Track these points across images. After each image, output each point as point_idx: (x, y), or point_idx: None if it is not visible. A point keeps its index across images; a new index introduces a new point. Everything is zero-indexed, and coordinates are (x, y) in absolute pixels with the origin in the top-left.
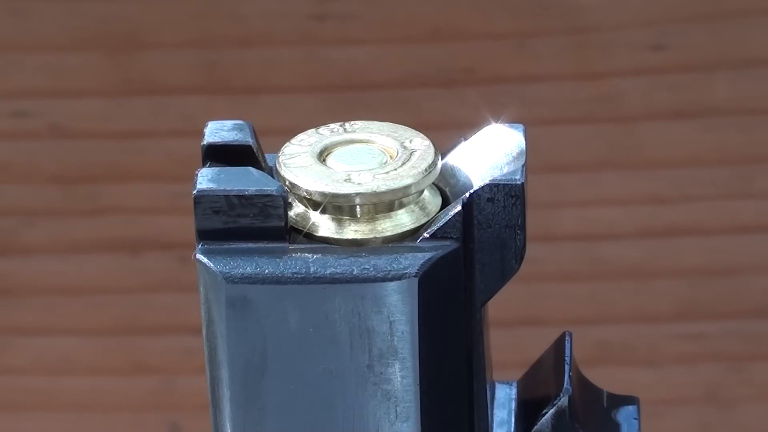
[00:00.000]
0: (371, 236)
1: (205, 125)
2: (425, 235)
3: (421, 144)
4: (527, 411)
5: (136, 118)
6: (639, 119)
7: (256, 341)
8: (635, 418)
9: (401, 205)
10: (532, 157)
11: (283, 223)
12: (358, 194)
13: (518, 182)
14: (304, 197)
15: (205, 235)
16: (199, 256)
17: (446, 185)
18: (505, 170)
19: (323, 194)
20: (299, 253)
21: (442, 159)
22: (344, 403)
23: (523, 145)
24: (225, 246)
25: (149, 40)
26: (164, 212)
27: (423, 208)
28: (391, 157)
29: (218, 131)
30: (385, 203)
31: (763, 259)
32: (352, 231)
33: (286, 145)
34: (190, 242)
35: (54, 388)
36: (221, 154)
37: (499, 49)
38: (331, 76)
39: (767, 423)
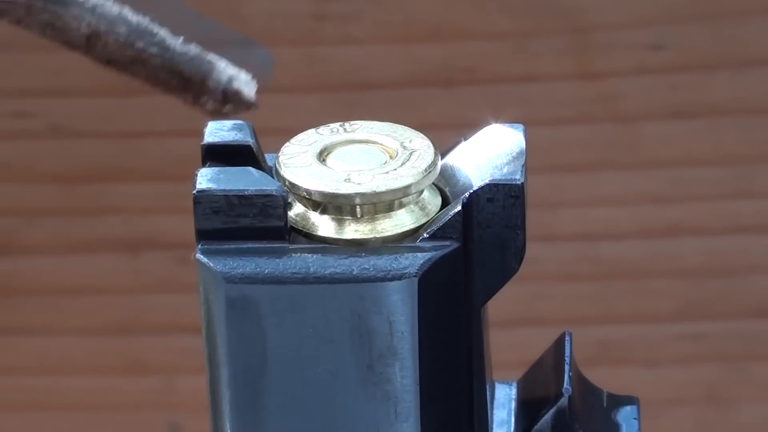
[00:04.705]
0: (371, 236)
1: (205, 125)
2: (425, 235)
3: (421, 144)
4: (527, 411)
5: (136, 118)
6: (638, 119)
7: (255, 341)
8: (635, 418)
9: (401, 205)
10: (532, 157)
11: (283, 223)
12: (358, 194)
13: (518, 182)
14: (304, 197)
15: (205, 235)
16: (199, 256)
17: (446, 185)
18: (505, 170)
19: (323, 194)
20: (299, 253)
21: (442, 159)
22: (344, 403)
23: (523, 145)
24: (225, 246)
25: None
26: (164, 212)
27: (423, 208)
28: (391, 157)
29: (218, 131)
30: (385, 203)
31: (763, 259)
32: (352, 231)
33: (286, 145)
34: (190, 242)
35: (54, 388)
36: (221, 154)
37: (499, 49)
38: (331, 76)
39: (767, 423)
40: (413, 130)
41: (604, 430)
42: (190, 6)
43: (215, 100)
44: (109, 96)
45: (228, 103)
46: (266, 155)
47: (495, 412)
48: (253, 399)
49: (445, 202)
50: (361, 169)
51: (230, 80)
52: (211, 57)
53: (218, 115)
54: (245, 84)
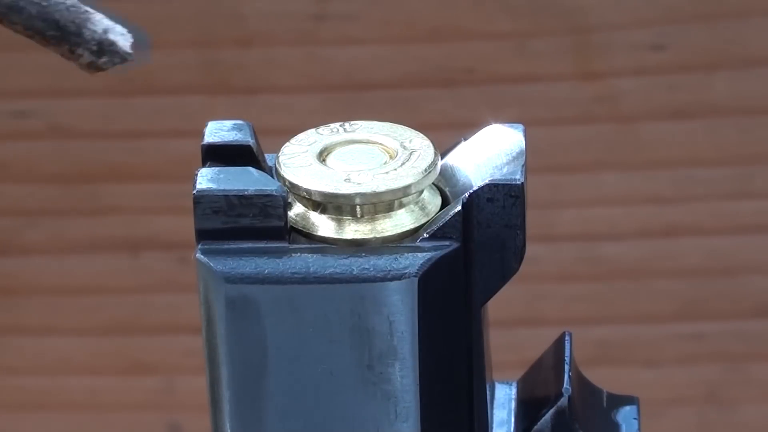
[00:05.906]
0: (371, 236)
1: (204, 125)
2: (425, 235)
3: (421, 144)
4: (527, 411)
5: (136, 118)
6: (638, 119)
7: (255, 341)
8: (635, 418)
9: (401, 205)
10: (532, 157)
11: (283, 223)
12: (358, 194)
13: (518, 182)
14: (304, 197)
15: (205, 235)
16: (199, 256)
17: (446, 185)
18: (505, 170)
19: (323, 194)
20: (299, 253)
21: (442, 159)
22: (344, 403)
23: (523, 145)
24: (225, 246)
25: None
26: (164, 212)
27: (423, 208)
28: (391, 157)
29: (218, 131)
30: (385, 203)
31: (763, 259)
32: (352, 231)
33: (286, 145)
34: (190, 242)
35: (54, 388)
36: (221, 154)
37: (499, 49)
38: (331, 76)
39: (767, 423)
40: (413, 130)
41: (604, 430)
42: (190, 6)
43: (90, 51)
44: (109, 96)
45: (103, 55)
46: (266, 155)
47: (495, 412)
48: (253, 399)
49: (445, 202)
50: (361, 169)
51: (106, 31)
52: (88, 8)
53: (94, 69)
54: (121, 36)
